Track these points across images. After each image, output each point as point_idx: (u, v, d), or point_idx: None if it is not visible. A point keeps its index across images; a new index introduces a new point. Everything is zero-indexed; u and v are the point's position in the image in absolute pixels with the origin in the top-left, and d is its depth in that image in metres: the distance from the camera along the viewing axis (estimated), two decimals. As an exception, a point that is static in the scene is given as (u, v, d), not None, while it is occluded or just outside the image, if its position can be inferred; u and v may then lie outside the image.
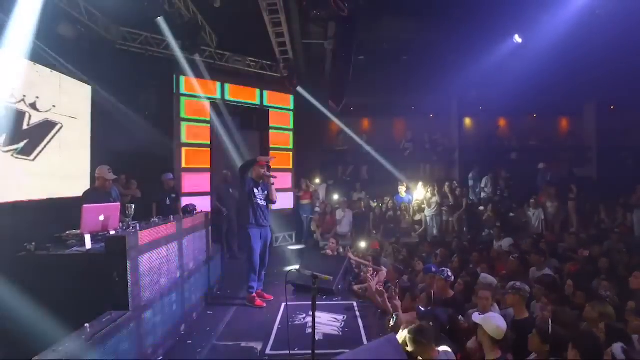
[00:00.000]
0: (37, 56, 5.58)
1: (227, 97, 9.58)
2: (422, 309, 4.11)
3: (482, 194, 11.59)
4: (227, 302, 5.72)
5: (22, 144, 5.39)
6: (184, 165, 8.69)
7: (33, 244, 3.75)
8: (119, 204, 4.14)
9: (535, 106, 13.72)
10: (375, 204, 10.85)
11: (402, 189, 11.14)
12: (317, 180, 11.55)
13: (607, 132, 13.23)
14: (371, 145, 13.00)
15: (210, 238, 6.05)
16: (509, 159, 13.38)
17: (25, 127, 5.45)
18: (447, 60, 10.69)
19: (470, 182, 11.95)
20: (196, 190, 8.80)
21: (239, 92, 9.83)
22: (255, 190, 5.61)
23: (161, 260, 4.13)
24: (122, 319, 3.35)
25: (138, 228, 3.89)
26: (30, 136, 5.53)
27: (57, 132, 6.03)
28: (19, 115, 5.35)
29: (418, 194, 10.85)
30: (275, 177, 5.69)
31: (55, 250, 3.73)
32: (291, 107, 10.96)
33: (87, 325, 3.02)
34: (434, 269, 5.18)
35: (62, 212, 4.83)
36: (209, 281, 5.83)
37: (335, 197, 11.32)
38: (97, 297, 3.45)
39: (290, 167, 11.14)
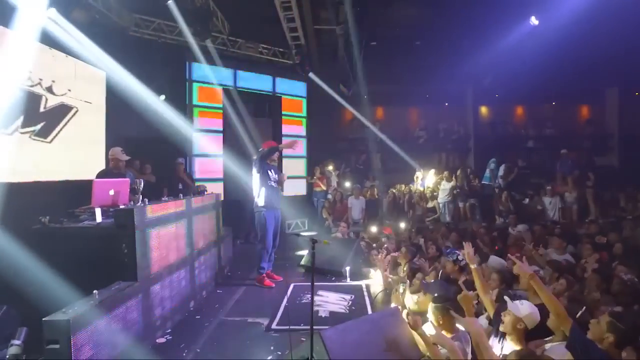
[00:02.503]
0: (51, 40, 5.70)
1: (240, 84, 9.64)
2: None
3: (498, 182, 11.40)
4: (237, 283, 5.81)
5: (39, 126, 5.55)
6: (196, 151, 8.81)
7: (47, 217, 3.87)
8: (128, 179, 4.22)
9: (554, 93, 13.39)
10: (390, 191, 10.78)
11: (418, 177, 11.05)
12: (330, 168, 11.54)
13: (630, 119, 12.80)
14: (385, 134, 12.94)
15: (220, 219, 6.13)
16: (525, 147, 13.14)
17: (42, 109, 5.61)
18: (461, 46, 10.52)
19: (488, 171, 11.76)
20: (209, 176, 8.91)
21: (252, 79, 9.88)
22: (269, 173, 5.66)
23: (170, 236, 4.22)
24: (130, 289, 3.45)
25: (147, 203, 3.97)
26: (47, 119, 5.68)
27: (72, 116, 6.19)
28: (36, 98, 5.50)
29: (429, 181, 10.75)
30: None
31: (68, 224, 3.84)
32: (304, 94, 10.96)
33: (95, 292, 3.11)
34: (446, 252, 5.15)
35: (77, 194, 4.93)
36: (220, 261, 5.93)
37: (347, 184, 11.29)
38: (107, 268, 3.56)
39: (304, 154, 11.16)
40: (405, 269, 5.27)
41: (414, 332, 3.02)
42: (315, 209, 10.93)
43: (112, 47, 7.17)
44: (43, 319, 2.68)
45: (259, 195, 5.55)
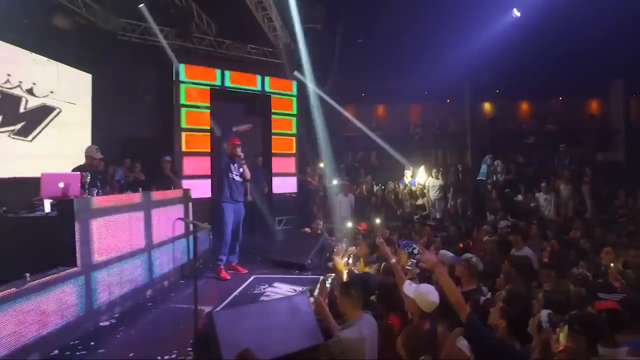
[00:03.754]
0: (33, 45, 6.10)
1: (228, 84, 9.90)
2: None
3: (493, 178, 11.22)
4: (205, 275, 6.01)
5: (18, 126, 5.96)
6: (184, 149, 9.12)
7: (4, 208, 4.21)
8: (79, 173, 4.49)
9: (559, 87, 13.05)
10: (377, 188, 10.81)
11: (407, 174, 11.04)
12: (322, 165, 11.65)
13: (637, 113, 12.33)
14: (383, 131, 12.96)
15: (190, 213, 6.35)
16: (525, 144, 12.85)
17: (22, 110, 6.01)
18: (452, 42, 10.43)
19: (484, 167, 11.59)
20: (196, 173, 9.21)
21: (240, 78, 10.12)
22: (232, 166, 5.84)
23: (119, 226, 4.48)
24: (67, 273, 3.71)
25: (94, 195, 4.24)
26: (27, 119, 6.09)
27: (55, 116, 6.59)
28: (15, 100, 5.91)
29: (420, 178, 10.71)
30: (243, 160, 5.88)
31: (21, 214, 4.16)
32: (294, 92, 11.12)
33: (27, 274, 3.38)
34: (401, 244, 5.22)
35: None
36: (188, 254, 6.15)
37: (335, 182, 11.37)
38: (52, 255, 3.84)
39: (294, 151, 11.33)
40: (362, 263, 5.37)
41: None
42: (307, 206, 11.07)
43: (101, 51, 7.58)
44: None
45: (220, 188, 5.75)
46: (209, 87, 9.47)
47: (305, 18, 8.31)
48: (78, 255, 3.84)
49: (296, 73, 10.01)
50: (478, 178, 11.04)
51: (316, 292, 3.53)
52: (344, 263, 5.38)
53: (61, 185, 4.18)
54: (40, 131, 6.32)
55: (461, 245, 6.42)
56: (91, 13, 7.33)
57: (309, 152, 11.64)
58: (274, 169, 10.82)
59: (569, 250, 5.19)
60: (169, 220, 5.60)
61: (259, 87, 10.45)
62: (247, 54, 10.13)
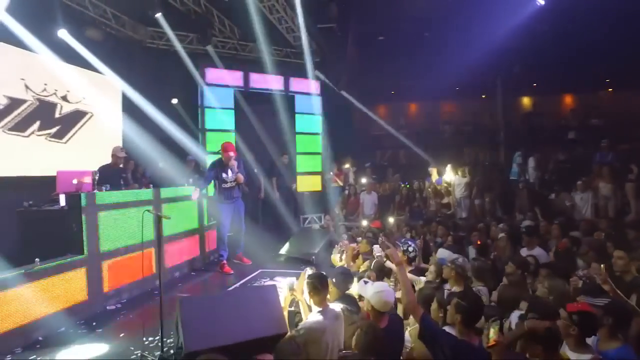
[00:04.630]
0: (67, 56, 6.73)
1: (252, 85, 10.25)
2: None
3: (526, 176, 10.70)
4: (214, 269, 6.32)
5: (54, 129, 6.61)
6: (208, 149, 9.58)
7: (31, 202, 4.74)
8: (92, 171, 4.91)
9: (608, 79, 12.15)
10: (402, 186, 10.70)
11: (433, 172, 10.82)
12: (347, 165, 11.72)
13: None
14: (411, 129, 12.80)
15: (203, 209, 6.69)
16: (566, 140, 12.07)
17: (57, 115, 6.67)
18: (479, 35, 10.06)
19: (514, 165, 11.08)
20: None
21: (264, 80, 10.44)
22: (224, 175, 6.09)
23: (127, 219, 4.86)
24: (75, 260, 4.13)
25: (104, 190, 4.65)
26: (62, 123, 6.74)
27: (87, 120, 7.22)
28: (51, 106, 6.57)
29: (447, 177, 10.44)
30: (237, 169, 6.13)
31: (43, 207, 4.66)
32: (318, 92, 11.26)
33: (37, 259, 3.80)
34: (399, 242, 5.20)
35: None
36: (201, 247, 6.51)
37: (363, 180, 11.40)
38: (64, 243, 4.29)
39: (319, 151, 11.49)
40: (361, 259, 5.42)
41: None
42: (332, 204, 11.20)
43: (130, 57, 8.18)
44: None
45: (216, 194, 6.19)
46: (232, 89, 9.88)
47: (319, 18, 8.41)
48: (86, 244, 4.24)
49: (317, 73, 10.15)
50: (510, 177, 10.61)
51: (296, 284, 3.63)
52: (337, 259, 5.52)
53: (74, 181, 4.63)
54: (74, 134, 6.97)
55: (479, 242, 6.27)
56: (120, 24, 7.94)
57: (334, 151, 11.76)
58: (299, 168, 11.03)
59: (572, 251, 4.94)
60: (180, 216, 5.98)
61: (283, 88, 10.72)
62: (270, 55, 10.41)
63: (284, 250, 6.92)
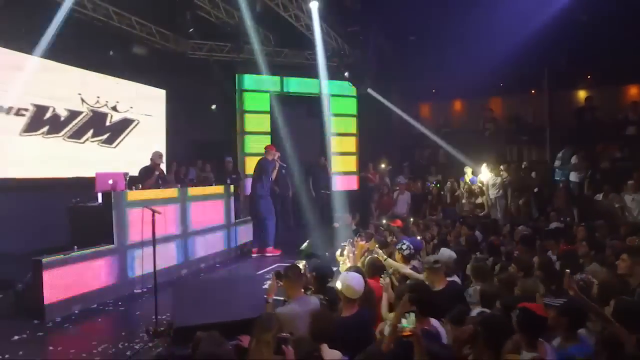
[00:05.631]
0: (116, 70, 7.69)
1: (289, 89, 10.77)
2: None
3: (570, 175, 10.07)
4: (239, 260, 6.88)
5: (105, 136, 7.59)
6: (246, 150, 10.25)
7: (78, 199, 5.59)
8: (124, 172, 5.64)
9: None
10: (433, 186, 10.60)
11: (468, 171, 10.59)
12: (383, 165, 11.82)
13: None
14: (452, 128, 12.64)
15: (232, 207, 7.29)
16: (624, 136, 11.09)
17: (108, 124, 7.64)
18: (519, 26, 9.66)
19: (557, 163, 10.46)
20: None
21: (300, 83, 10.92)
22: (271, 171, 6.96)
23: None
24: (106, 249, 4.85)
25: (133, 189, 5.37)
26: (112, 130, 7.71)
27: (134, 127, 8.16)
28: (103, 116, 7.55)
29: (483, 176, 10.16)
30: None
31: (87, 203, 5.48)
32: (354, 93, 11.51)
33: (75, 247, 4.56)
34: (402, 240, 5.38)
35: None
36: (228, 242, 7.11)
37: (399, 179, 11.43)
38: (99, 234, 5.04)
39: (355, 151, 11.74)
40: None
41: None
42: (367, 204, 11.41)
43: (173, 68, 9.06)
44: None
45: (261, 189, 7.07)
46: (269, 94, 10.46)
47: (344, 21, 8.67)
48: (115, 235, 4.96)
49: (347, 74, 10.40)
50: (555, 178, 10.06)
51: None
52: (338, 254, 5.77)
53: (110, 182, 5.37)
54: (122, 139, 7.93)
55: (495, 242, 6.19)
56: (164, 39, 8.82)
57: (371, 151, 11.94)
58: (336, 168, 11.37)
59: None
60: (206, 212, 6.60)
61: (318, 91, 11.12)
62: (305, 59, 10.85)
63: (303, 246, 7.31)
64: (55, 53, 6.41)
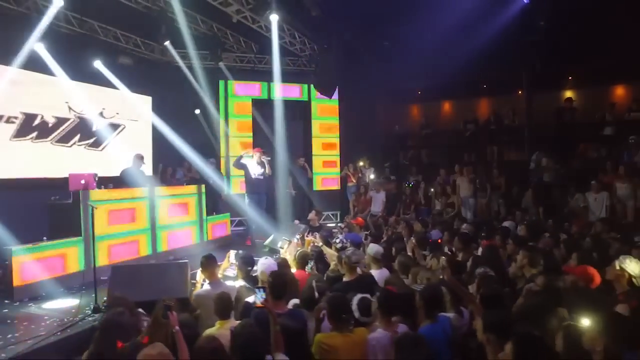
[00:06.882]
0: (102, 80, 8.41)
1: (269, 94, 11.36)
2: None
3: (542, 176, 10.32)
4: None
5: (91, 140, 8.34)
6: (230, 153, 10.89)
7: (57, 196, 6.31)
8: (94, 173, 6.31)
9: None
10: (406, 186, 11.01)
11: (441, 172, 10.98)
12: (361, 164, 12.26)
13: None
14: (435, 129, 13.00)
15: (202, 205, 7.92)
16: (601, 136, 11.23)
17: (94, 128, 8.38)
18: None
19: (532, 165, 10.71)
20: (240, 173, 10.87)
21: (281, 89, 11.46)
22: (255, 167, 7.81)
23: (120, 211, 6.21)
24: (74, 239, 5.54)
25: (103, 188, 6.05)
26: (98, 135, 8.45)
27: (120, 131, 8.89)
28: (89, 122, 8.29)
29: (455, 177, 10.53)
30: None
31: (62, 200, 6.18)
32: (336, 96, 11.98)
33: (45, 238, 5.26)
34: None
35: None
36: (200, 236, 7.74)
37: (371, 176, 11.86)
38: (71, 227, 5.74)
39: (337, 151, 12.25)
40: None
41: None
42: (347, 203, 11.91)
43: (158, 76, 9.76)
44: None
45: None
46: (251, 100, 11.08)
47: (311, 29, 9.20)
48: (82, 227, 5.65)
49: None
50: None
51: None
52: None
53: (82, 181, 6.06)
54: (108, 143, 8.66)
55: (439, 240, 6.60)
56: (149, 49, 9.54)
57: (354, 151, 12.42)
58: (318, 168, 11.90)
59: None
60: (175, 209, 7.25)
61: (301, 95, 11.67)
62: (287, 65, 11.41)
63: (267, 241, 7.88)
64: (42, 65, 7.15)
